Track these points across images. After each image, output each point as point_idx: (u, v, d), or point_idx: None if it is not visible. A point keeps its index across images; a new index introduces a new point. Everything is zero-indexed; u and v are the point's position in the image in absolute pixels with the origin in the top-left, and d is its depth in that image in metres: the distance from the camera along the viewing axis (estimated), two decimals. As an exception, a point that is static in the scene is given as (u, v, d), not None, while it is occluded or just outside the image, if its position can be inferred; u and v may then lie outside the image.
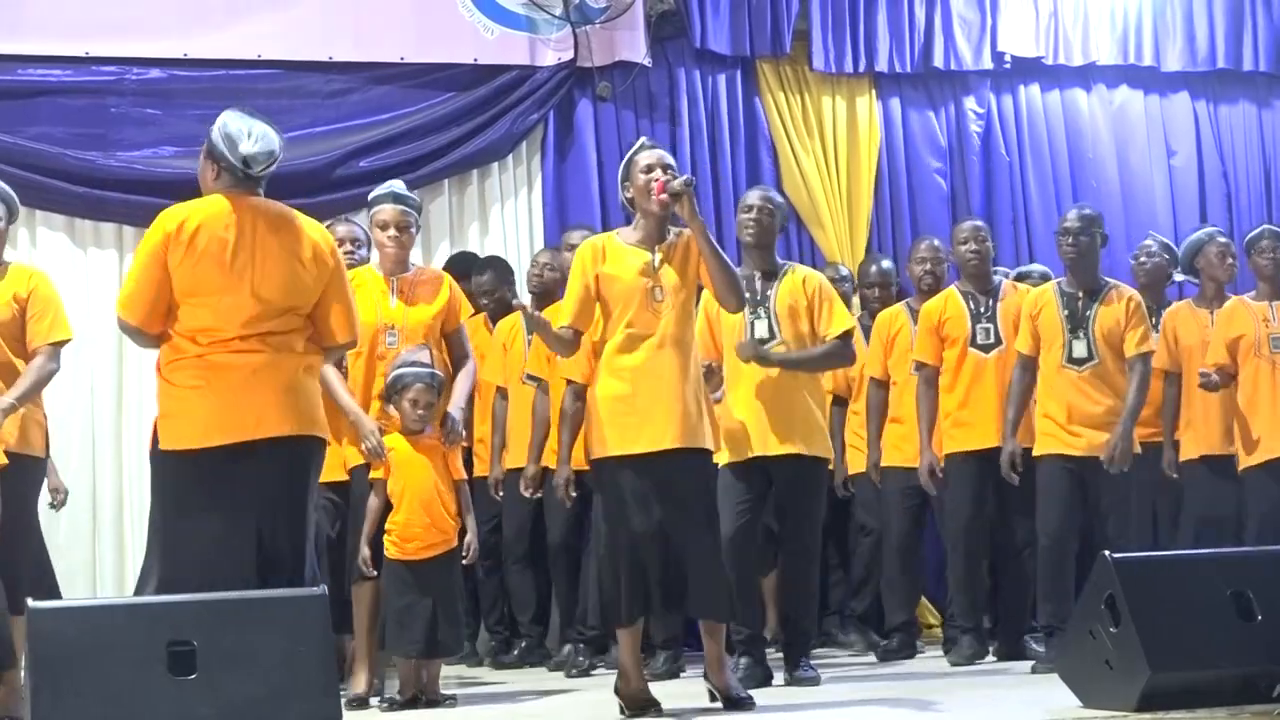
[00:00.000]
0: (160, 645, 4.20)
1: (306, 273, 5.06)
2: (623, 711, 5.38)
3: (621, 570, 5.32)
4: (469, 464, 7.03)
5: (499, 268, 8.12)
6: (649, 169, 5.52)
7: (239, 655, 4.24)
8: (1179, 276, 8.02)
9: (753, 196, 6.60)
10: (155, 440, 5.16)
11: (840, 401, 7.89)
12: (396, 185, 6.39)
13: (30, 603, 4.31)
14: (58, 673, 4.13)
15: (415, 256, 8.12)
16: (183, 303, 4.95)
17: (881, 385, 7.58)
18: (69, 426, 7.95)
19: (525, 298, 7.98)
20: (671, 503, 5.34)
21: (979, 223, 7.63)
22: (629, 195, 5.61)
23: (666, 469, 5.36)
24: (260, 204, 5.09)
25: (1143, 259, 8.02)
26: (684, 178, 5.49)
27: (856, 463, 7.79)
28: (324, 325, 5.14)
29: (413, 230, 6.31)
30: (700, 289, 5.72)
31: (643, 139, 5.87)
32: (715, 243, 5.54)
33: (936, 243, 7.89)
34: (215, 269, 4.93)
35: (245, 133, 5.02)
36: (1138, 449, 6.70)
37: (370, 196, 6.41)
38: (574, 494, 7.10)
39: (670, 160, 5.61)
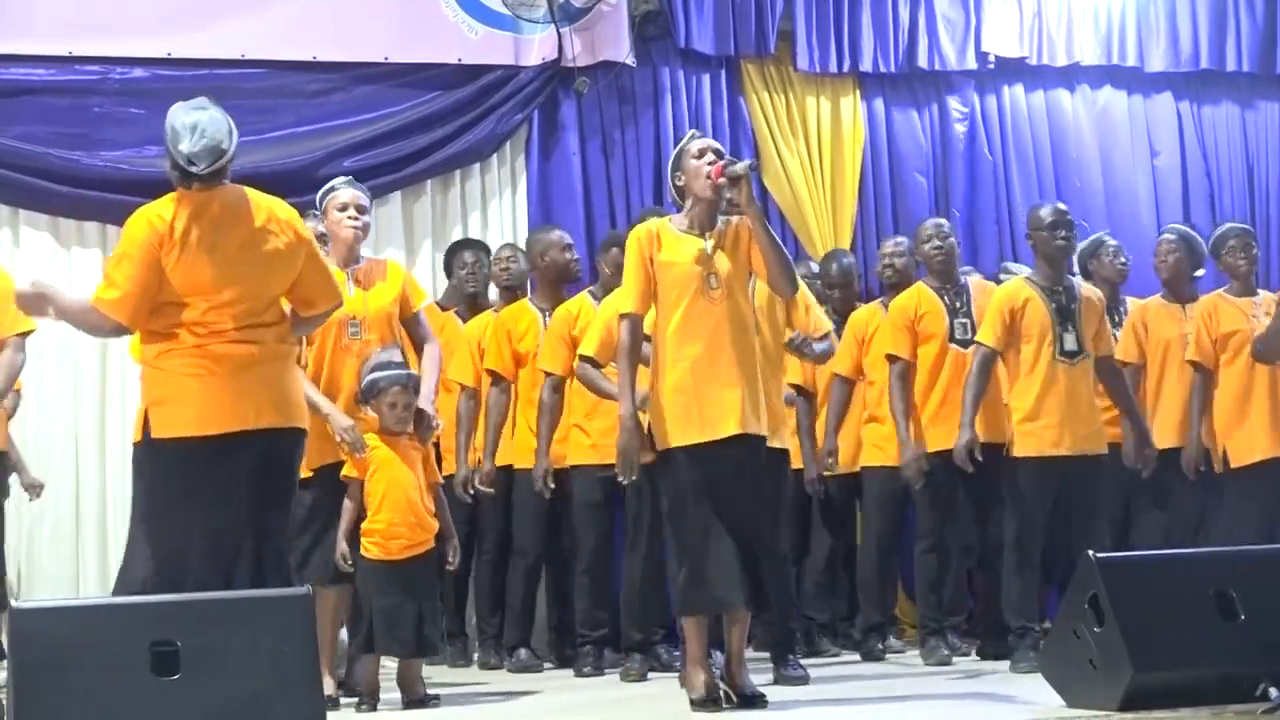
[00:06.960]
0: (144, 646, 4.18)
1: (287, 253, 5.10)
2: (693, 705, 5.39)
3: (685, 561, 5.37)
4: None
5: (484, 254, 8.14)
6: (701, 154, 5.59)
7: (223, 655, 4.22)
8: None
9: None
10: (146, 429, 5.03)
11: (805, 393, 7.67)
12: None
13: (13, 603, 4.31)
14: (40, 674, 4.12)
15: (400, 257, 8.20)
16: (177, 300, 4.95)
17: (846, 382, 7.52)
18: (52, 427, 7.93)
19: (493, 294, 7.99)
20: (729, 490, 5.39)
21: (941, 220, 7.65)
22: (679, 184, 5.65)
23: (727, 456, 5.40)
24: (230, 194, 5.08)
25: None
26: (747, 161, 5.56)
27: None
28: (306, 294, 5.20)
29: (368, 218, 6.27)
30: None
31: (692, 131, 5.93)
32: (770, 228, 5.59)
33: (901, 239, 7.88)
34: (209, 266, 4.95)
35: (189, 129, 4.96)
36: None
37: (321, 192, 6.33)
38: (551, 487, 7.06)
39: (721, 148, 5.68)
